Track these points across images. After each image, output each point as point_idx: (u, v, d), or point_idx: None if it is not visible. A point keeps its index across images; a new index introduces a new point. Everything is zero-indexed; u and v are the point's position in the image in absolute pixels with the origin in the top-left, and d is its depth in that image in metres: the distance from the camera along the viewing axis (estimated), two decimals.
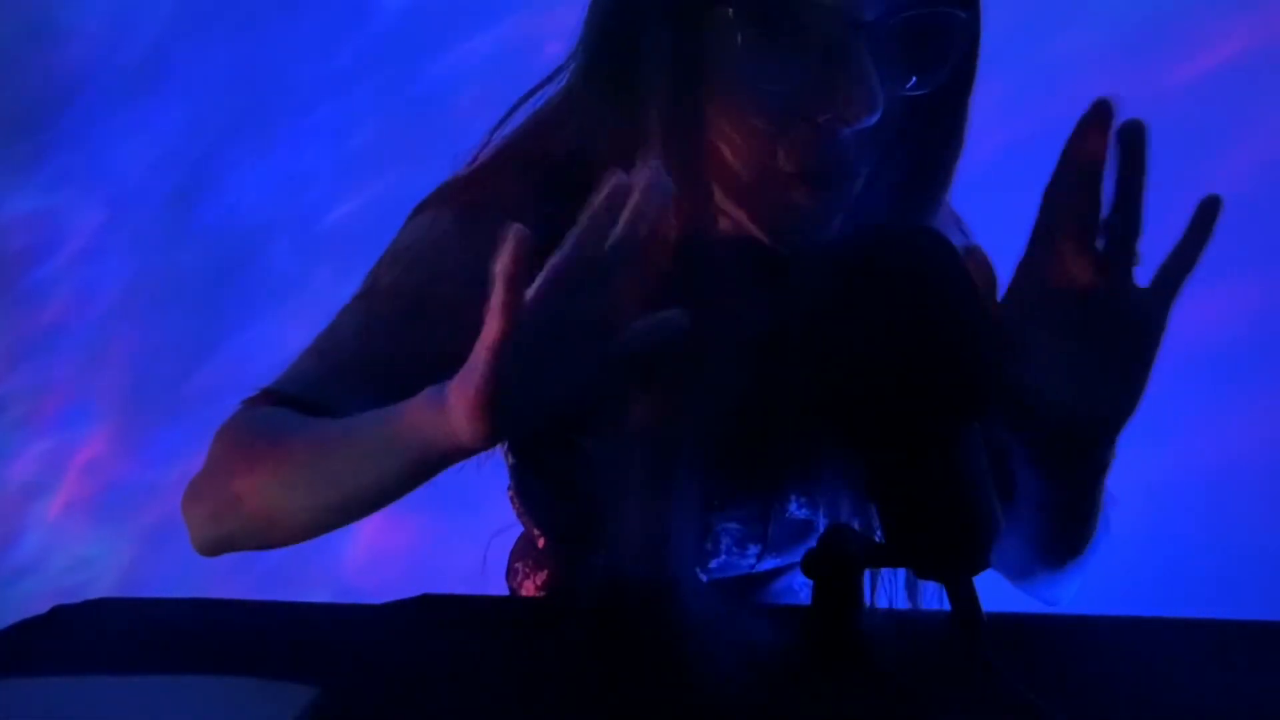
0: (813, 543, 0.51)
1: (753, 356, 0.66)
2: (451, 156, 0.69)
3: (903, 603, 0.67)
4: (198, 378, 2.20)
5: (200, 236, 2.25)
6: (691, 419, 0.67)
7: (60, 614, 0.64)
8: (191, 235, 2.25)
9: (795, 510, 0.72)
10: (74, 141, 2.28)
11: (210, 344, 2.22)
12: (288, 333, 2.10)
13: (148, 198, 2.25)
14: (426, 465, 0.49)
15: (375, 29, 2.19)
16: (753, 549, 0.73)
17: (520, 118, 0.68)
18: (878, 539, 0.49)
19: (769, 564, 0.76)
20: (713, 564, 0.74)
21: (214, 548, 0.60)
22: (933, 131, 0.60)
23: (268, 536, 0.56)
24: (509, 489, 0.83)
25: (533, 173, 0.65)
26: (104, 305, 2.32)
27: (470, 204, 0.64)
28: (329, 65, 2.19)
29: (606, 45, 0.60)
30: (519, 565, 0.90)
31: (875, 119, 0.52)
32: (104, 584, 2.19)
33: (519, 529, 0.91)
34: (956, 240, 0.54)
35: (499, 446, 0.77)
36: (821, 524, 0.73)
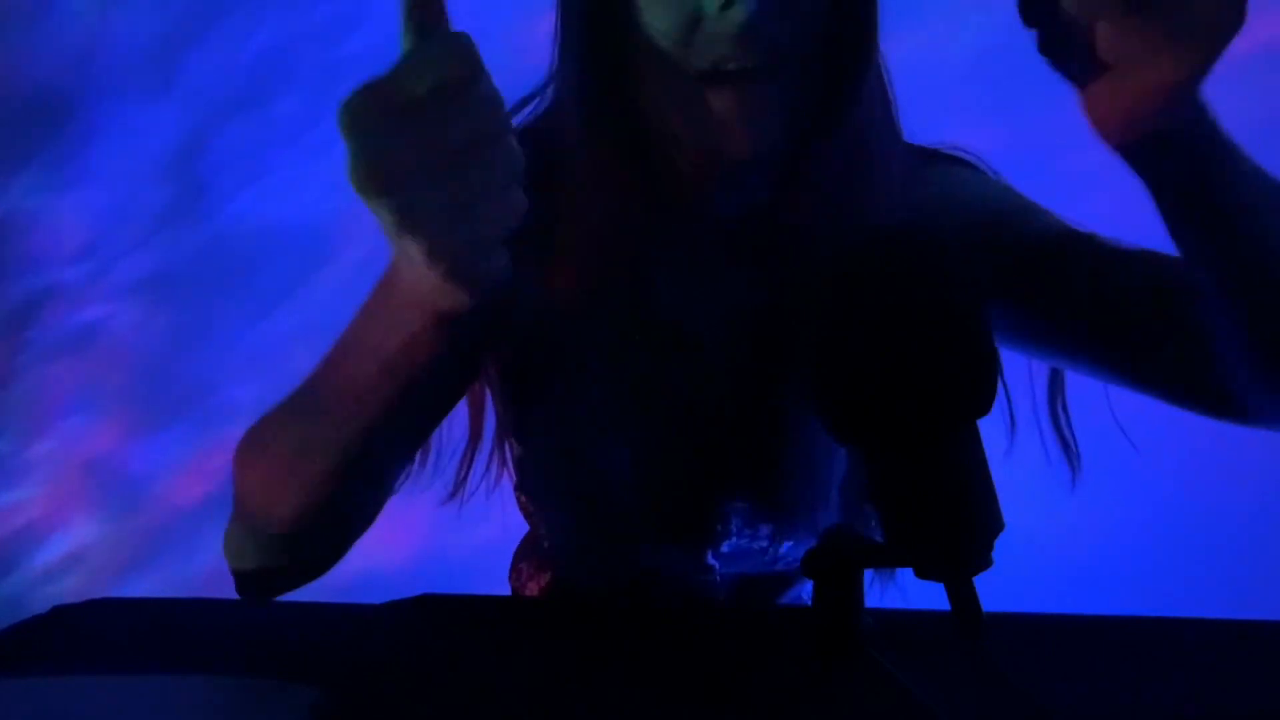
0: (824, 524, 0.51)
1: (749, 337, 0.66)
2: None
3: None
4: (200, 376, 2.20)
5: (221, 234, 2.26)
6: (679, 396, 0.67)
7: (60, 614, 0.64)
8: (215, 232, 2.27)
9: (802, 487, 0.71)
10: None
11: (212, 342, 2.22)
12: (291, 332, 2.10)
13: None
14: (420, 321, 0.47)
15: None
16: (764, 529, 0.73)
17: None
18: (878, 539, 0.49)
19: (784, 548, 0.74)
20: (724, 547, 0.73)
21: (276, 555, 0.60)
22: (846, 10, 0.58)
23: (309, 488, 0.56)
24: (515, 488, 0.83)
25: None
26: (104, 304, 2.32)
27: None
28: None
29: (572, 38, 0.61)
30: (523, 566, 0.90)
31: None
32: (104, 584, 2.19)
33: (521, 531, 0.91)
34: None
35: (505, 445, 0.77)
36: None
